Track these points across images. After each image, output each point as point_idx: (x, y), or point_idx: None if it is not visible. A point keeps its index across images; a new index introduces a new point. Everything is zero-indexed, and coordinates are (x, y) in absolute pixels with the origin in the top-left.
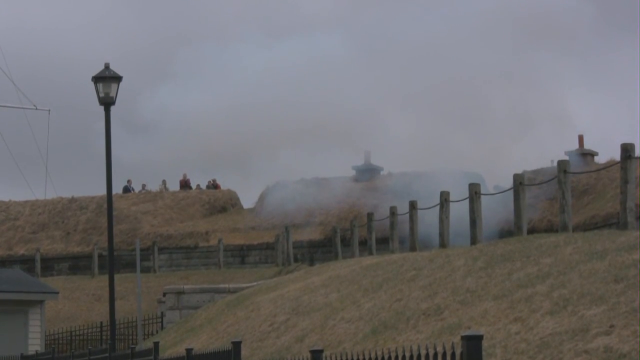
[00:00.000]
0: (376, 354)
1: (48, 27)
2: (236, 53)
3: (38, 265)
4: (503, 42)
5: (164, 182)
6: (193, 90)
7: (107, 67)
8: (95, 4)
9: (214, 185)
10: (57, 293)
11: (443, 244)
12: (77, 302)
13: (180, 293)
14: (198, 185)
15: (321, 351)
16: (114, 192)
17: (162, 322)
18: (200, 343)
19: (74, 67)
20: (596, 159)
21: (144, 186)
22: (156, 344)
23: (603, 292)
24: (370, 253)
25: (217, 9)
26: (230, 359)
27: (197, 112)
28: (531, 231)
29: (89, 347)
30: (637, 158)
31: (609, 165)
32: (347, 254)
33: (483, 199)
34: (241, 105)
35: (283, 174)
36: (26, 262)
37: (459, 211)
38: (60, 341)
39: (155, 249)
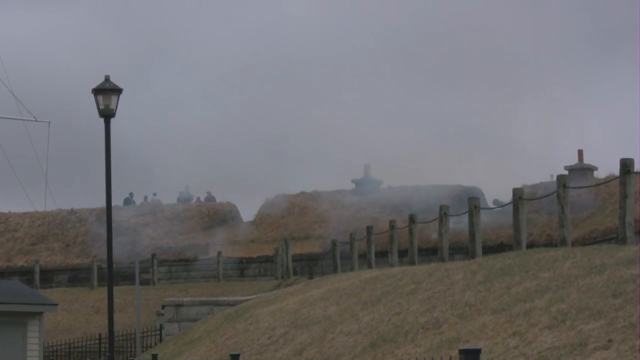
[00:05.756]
0: None
1: (48, 39)
2: (232, 62)
3: (37, 276)
4: (501, 56)
5: (154, 195)
6: (193, 104)
7: (107, 79)
8: (96, 17)
9: (211, 198)
10: (56, 305)
11: (442, 258)
12: (76, 314)
13: (179, 305)
14: (198, 198)
15: None
16: (114, 204)
17: (160, 334)
18: (199, 355)
19: (75, 80)
20: (595, 173)
21: (145, 198)
22: (155, 357)
23: (601, 307)
24: (370, 266)
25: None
26: None
27: (196, 125)
28: (530, 245)
29: None
30: (636, 173)
31: (609, 180)
32: (347, 267)
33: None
34: (240, 119)
35: (283, 187)
36: (25, 274)
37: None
38: (59, 353)
39: (155, 261)
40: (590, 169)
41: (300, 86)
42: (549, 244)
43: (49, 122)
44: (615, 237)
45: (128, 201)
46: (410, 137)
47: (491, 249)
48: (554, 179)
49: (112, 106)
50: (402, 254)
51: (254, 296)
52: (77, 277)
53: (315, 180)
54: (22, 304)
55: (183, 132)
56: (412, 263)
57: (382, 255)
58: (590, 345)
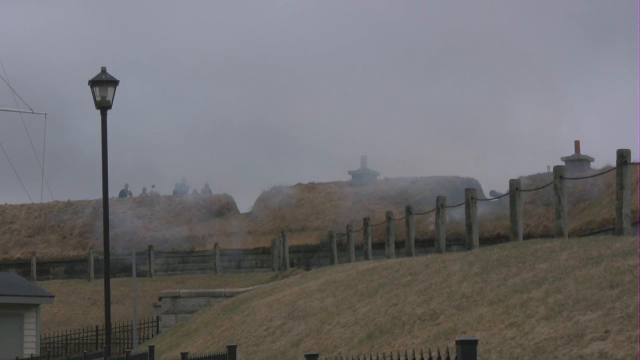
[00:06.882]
0: (372, 358)
1: (45, 31)
2: (229, 56)
3: (34, 269)
4: (497, 47)
5: (152, 187)
6: (190, 98)
7: (103, 71)
8: (92, 9)
9: (208, 190)
10: (53, 297)
11: (439, 249)
12: (72, 306)
13: (176, 297)
14: (194, 190)
15: (316, 356)
16: (110, 197)
17: (157, 326)
18: (196, 347)
19: (71, 71)
20: (592, 164)
21: (144, 190)
22: (151, 348)
23: (598, 298)
24: (367, 258)
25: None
26: None
27: (193, 118)
28: (527, 237)
29: (85, 351)
30: (633, 164)
31: (605, 171)
32: (343, 258)
33: None
34: (236, 112)
35: (279, 178)
36: (22, 266)
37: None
38: (56, 345)
39: (151, 253)
40: (587, 160)
41: (298, 79)
42: (546, 235)
43: (46, 114)
44: (612, 228)
45: (123, 193)
46: (406, 128)
47: (488, 240)
48: (551, 170)
49: (109, 98)
50: (399, 245)
51: (250, 288)
52: (73, 269)
53: (312, 171)
54: (19, 296)
55: (180, 125)
56: (409, 254)
57: (379, 246)
58: (587, 336)
